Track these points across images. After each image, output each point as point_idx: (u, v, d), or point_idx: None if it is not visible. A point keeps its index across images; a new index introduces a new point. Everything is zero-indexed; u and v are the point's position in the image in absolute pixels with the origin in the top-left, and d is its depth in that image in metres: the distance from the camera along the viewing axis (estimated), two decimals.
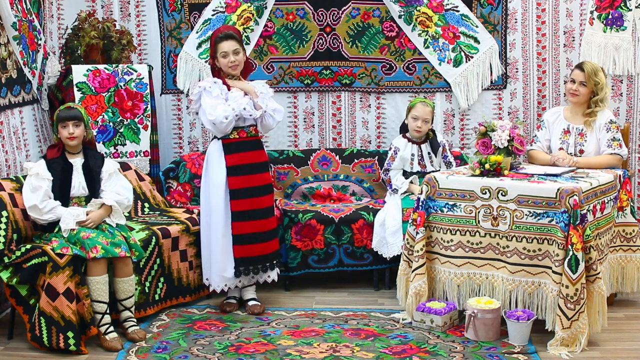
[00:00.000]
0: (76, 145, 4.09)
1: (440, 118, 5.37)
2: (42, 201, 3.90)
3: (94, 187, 4.08)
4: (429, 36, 5.30)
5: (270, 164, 5.13)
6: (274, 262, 4.41)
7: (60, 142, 4.10)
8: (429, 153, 4.82)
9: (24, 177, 4.04)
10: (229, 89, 4.26)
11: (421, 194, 4.15)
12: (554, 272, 3.78)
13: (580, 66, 4.52)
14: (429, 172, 4.62)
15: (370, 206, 4.87)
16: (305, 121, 5.49)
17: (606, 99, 4.52)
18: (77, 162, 4.09)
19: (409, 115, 4.80)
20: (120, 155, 4.98)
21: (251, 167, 4.30)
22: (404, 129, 4.89)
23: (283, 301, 4.61)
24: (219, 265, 4.30)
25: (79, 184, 4.05)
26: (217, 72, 4.35)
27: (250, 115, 4.22)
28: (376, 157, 5.28)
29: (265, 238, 4.33)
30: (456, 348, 3.81)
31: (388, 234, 4.59)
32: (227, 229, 4.27)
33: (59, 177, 4.00)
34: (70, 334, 3.74)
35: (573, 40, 5.24)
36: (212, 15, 5.37)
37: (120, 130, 4.99)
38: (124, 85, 4.99)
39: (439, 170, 4.79)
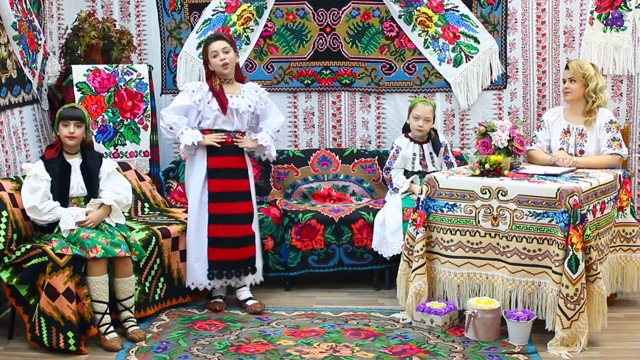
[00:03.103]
0: (74, 146, 4.09)
1: (440, 118, 5.36)
2: (41, 202, 3.90)
3: (92, 187, 4.08)
4: (429, 36, 5.30)
5: (271, 164, 5.13)
6: (249, 267, 4.41)
7: (58, 141, 4.10)
8: (430, 153, 4.82)
9: (24, 177, 4.04)
10: (214, 95, 4.28)
11: (421, 193, 4.15)
12: (554, 272, 3.78)
13: (566, 65, 4.57)
14: (430, 172, 4.62)
15: (370, 206, 4.87)
16: (305, 121, 5.49)
17: (602, 91, 4.50)
18: (75, 162, 4.09)
19: (410, 115, 4.80)
20: (120, 155, 4.98)
21: (232, 172, 4.34)
22: (406, 129, 4.89)
23: (283, 301, 4.61)
24: (190, 264, 4.39)
25: (77, 184, 4.05)
26: (210, 79, 4.35)
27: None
28: (376, 157, 5.28)
29: (241, 244, 4.35)
30: (456, 348, 3.80)
31: (388, 233, 4.59)
32: (198, 229, 4.34)
33: (58, 178, 4.00)
34: (70, 334, 3.74)
35: (573, 40, 5.24)
36: (212, 15, 5.37)
37: (120, 130, 4.99)
38: (124, 85, 4.99)
39: (440, 170, 4.79)
